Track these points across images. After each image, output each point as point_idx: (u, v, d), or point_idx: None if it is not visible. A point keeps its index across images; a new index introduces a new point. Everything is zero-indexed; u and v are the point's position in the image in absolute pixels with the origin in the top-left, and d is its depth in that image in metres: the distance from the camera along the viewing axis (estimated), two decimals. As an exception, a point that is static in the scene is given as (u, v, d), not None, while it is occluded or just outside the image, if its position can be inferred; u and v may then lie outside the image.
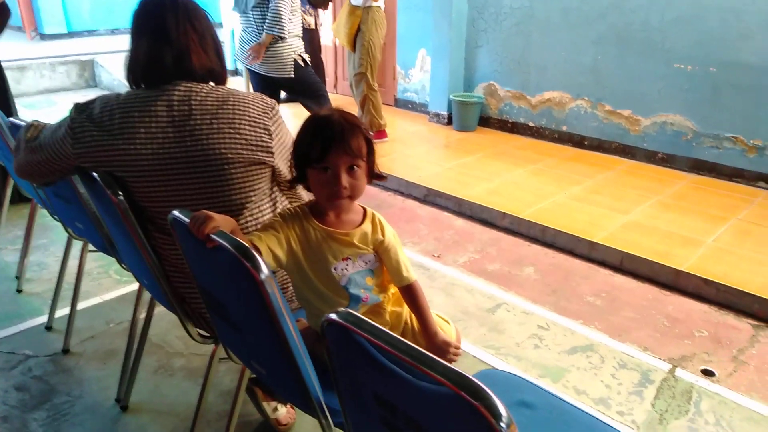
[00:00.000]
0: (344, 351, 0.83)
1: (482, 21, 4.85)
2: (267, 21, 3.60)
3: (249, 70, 3.97)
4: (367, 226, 1.32)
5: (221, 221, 1.12)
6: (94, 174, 1.37)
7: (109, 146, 1.35)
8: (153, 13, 1.41)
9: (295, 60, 3.76)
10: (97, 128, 1.36)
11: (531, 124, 4.79)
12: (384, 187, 3.99)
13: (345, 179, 1.22)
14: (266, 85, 3.87)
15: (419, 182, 3.81)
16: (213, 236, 1.07)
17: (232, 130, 1.38)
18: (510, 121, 4.93)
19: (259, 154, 1.41)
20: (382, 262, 1.35)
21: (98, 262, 2.85)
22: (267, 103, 1.48)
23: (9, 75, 6.59)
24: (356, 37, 4.38)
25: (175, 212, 1.17)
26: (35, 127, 1.49)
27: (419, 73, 5.47)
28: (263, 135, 1.42)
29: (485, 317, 2.51)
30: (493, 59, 4.88)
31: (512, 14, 4.64)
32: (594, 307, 2.60)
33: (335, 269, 1.29)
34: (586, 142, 4.48)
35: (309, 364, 1.08)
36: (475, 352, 2.26)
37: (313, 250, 1.28)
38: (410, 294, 1.38)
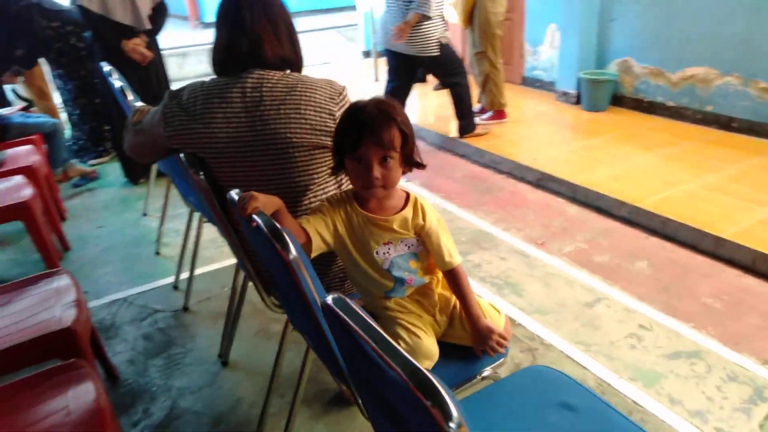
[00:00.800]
0: (338, 334, 0.87)
1: (619, -9, 4.47)
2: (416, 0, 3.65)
3: (389, 51, 4.01)
4: (408, 212, 1.33)
5: (265, 201, 1.21)
6: (181, 155, 1.53)
7: (192, 129, 1.50)
8: (231, 5, 1.52)
9: (438, 39, 3.78)
10: (184, 113, 1.51)
11: (670, 103, 4.34)
12: (497, 170, 3.90)
13: (377, 170, 1.24)
14: (406, 65, 3.94)
15: (533, 166, 3.66)
16: (254, 216, 1.16)
17: (297, 115, 1.46)
18: (646, 100, 4.51)
19: (323, 138, 1.47)
20: (426, 246, 1.36)
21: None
22: (335, 89, 1.53)
23: (173, 60, 7.47)
24: (473, 14, 4.28)
25: (232, 192, 1.28)
26: (140, 111, 1.70)
27: (548, 50, 5.20)
28: (327, 120, 1.48)
29: (581, 311, 2.38)
30: (629, 33, 4.48)
31: (653, -18, 4.21)
32: (711, 310, 2.33)
33: (377, 253, 1.32)
34: (734, 124, 3.96)
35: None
36: (563, 347, 2.16)
37: (356, 234, 1.33)
38: (453, 278, 1.37)
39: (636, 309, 2.37)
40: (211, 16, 9.28)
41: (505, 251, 2.88)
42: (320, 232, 1.31)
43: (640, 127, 4.26)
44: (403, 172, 1.32)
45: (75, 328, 1.61)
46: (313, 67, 7.07)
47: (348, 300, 0.84)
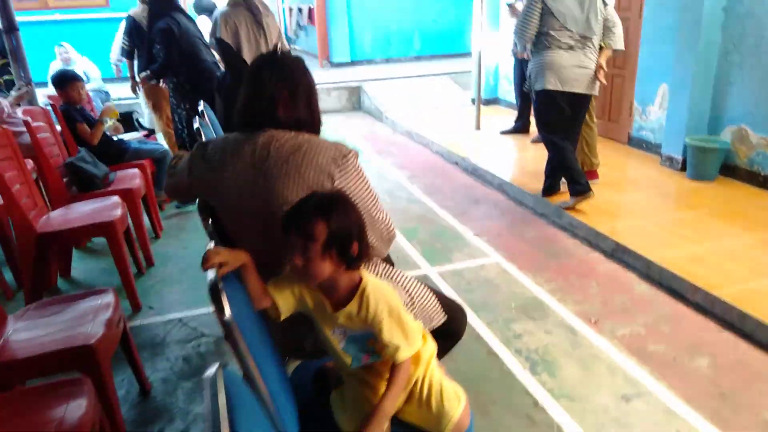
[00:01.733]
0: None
1: (738, 54, 4.10)
2: (613, 37, 3.65)
3: (566, 94, 3.67)
4: (353, 306, 1.31)
5: (228, 257, 1.29)
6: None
7: (207, 179, 1.64)
8: (254, 67, 1.66)
9: None
10: (205, 163, 1.66)
11: (789, 180, 3.86)
12: (572, 234, 3.71)
13: (298, 258, 1.27)
14: (583, 107, 3.80)
15: (609, 234, 3.44)
16: (208, 272, 1.24)
17: (297, 175, 1.54)
18: (762, 174, 4.05)
19: (317, 198, 1.55)
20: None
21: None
22: (340, 152, 1.58)
23: None
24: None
25: (210, 244, 1.39)
26: (178, 156, 1.89)
27: (658, 111, 4.88)
28: (325, 181, 1.54)
29: (615, 405, 2.19)
30: (748, 99, 4.08)
31: (777, 46, 3.82)
32: (769, 430, 2.03)
33: (333, 332, 1.34)
34: None
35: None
36: (580, 442, 2.00)
37: (316, 308, 1.37)
38: (393, 370, 1.34)
39: (679, 413, 2.13)
40: (339, 57, 9.92)
41: (553, 324, 2.73)
42: (285, 297, 1.36)
43: (747, 203, 3.83)
44: (348, 268, 1.30)
45: (97, 345, 1.81)
46: (422, 112, 7.26)
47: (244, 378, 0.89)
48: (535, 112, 3.90)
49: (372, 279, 1.38)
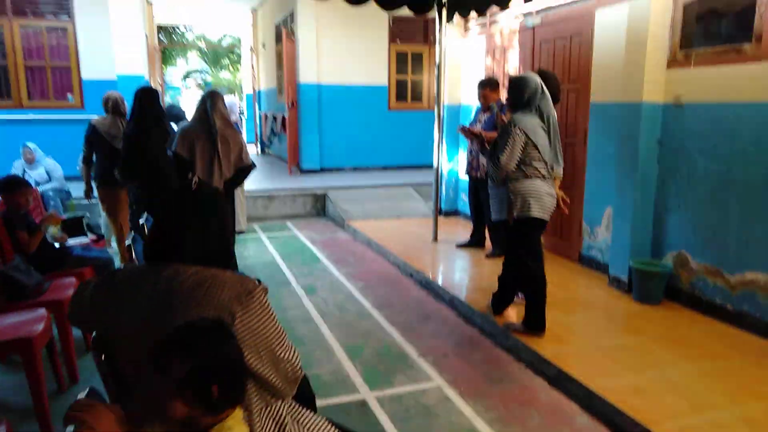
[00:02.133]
0: None
1: (673, 184, 4.32)
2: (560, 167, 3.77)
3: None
4: None
5: (93, 420, 1.20)
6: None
7: (108, 310, 1.57)
8: (166, 201, 1.66)
9: None
10: (109, 292, 1.59)
11: (729, 307, 3.93)
12: (517, 356, 3.65)
13: (152, 392, 1.21)
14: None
15: (552, 359, 3.39)
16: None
17: (196, 312, 1.48)
18: (704, 299, 4.12)
19: (215, 338, 1.49)
20: None
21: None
22: (246, 288, 1.55)
23: (259, 202, 8.10)
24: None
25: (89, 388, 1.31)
26: (89, 282, 1.81)
27: (605, 232, 5.03)
28: (225, 319, 1.50)
29: None
30: (686, 226, 4.24)
31: (707, 178, 4.04)
32: None
33: None
34: (801, 343, 3.46)
35: None
36: None
37: None
38: None
39: None
40: (308, 164, 10.18)
41: (488, 461, 2.60)
42: None
43: (690, 328, 3.85)
44: (207, 413, 1.24)
45: None
46: (383, 221, 7.37)
47: None
48: (514, 239, 3.77)
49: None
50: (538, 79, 3.66)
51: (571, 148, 5.34)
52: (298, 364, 1.66)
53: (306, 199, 8.43)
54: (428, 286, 5.04)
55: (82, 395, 1.30)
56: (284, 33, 10.26)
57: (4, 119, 8.32)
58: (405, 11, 5.90)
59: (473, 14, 6.20)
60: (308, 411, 1.78)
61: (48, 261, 3.73)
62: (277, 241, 6.75)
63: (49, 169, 6.86)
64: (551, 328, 3.82)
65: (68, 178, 6.96)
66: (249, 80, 17.03)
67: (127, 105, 4.86)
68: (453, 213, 7.71)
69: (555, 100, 3.86)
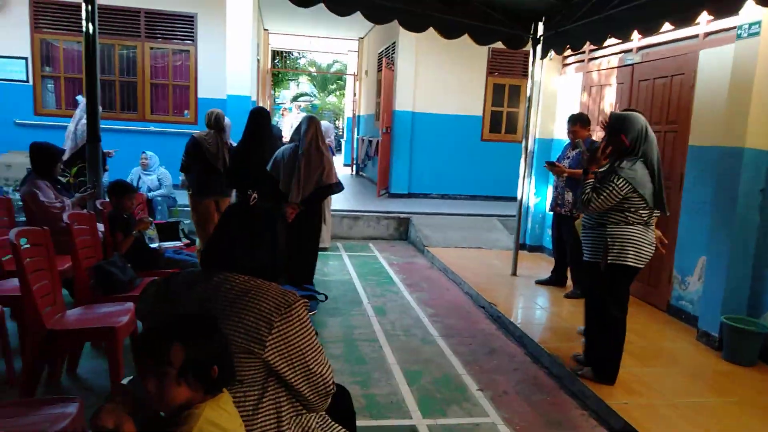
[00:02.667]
0: None
1: (777, 237, 3.96)
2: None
3: None
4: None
5: (121, 423, 1.32)
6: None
7: (163, 310, 1.73)
8: (226, 215, 1.82)
9: None
10: (166, 294, 1.75)
11: (834, 379, 3.50)
12: (582, 403, 3.48)
13: (151, 383, 1.28)
14: None
15: (620, 412, 3.20)
16: None
17: (237, 318, 1.60)
18: (805, 367, 3.71)
19: (252, 344, 1.58)
20: None
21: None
22: (286, 300, 1.64)
23: (345, 222, 8.35)
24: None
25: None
26: (156, 282, 2.00)
27: (697, 283, 4.68)
28: (262, 328, 1.58)
29: None
30: (788, 284, 3.86)
31: (816, 234, 3.67)
32: None
33: None
34: None
35: None
36: None
37: None
38: None
39: None
40: (397, 188, 10.37)
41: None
42: None
43: (785, 398, 3.48)
44: (207, 393, 1.32)
45: None
46: (463, 250, 7.33)
47: None
48: (602, 284, 3.48)
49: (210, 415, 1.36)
50: (643, 120, 3.35)
51: (666, 192, 5.02)
52: (330, 381, 1.73)
53: (390, 222, 8.57)
54: (499, 320, 4.94)
55: (126, 380, 1.44)
56: (384, 62, 10.61)
57: (129, 129, 9.24)
58: (500, 45, 5.93)
59: (569, 51, 6.10)
60: (341, 428, 1.83)
61: (143, 260, 4.10)
62: (357, 261, 6.91)
63: (161, 177, 7.55)
64: (624, 377, 3.61)
65: (176, 186, 7.59)
66: (350, 105, 17.71)
67: (230, 121, 5.29)
68: (538, 248, 7.50)
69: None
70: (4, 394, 3.09)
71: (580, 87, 6.77)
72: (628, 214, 3.35)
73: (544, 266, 6.48)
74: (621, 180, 3.27)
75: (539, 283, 5.85)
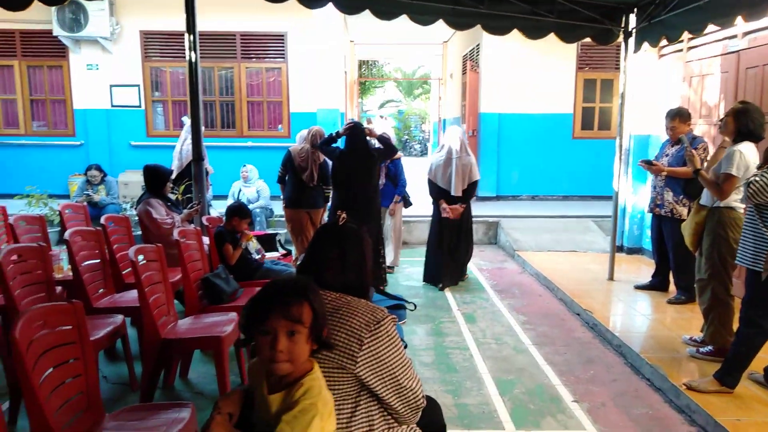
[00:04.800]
0: None
1: None
2: None
3: None
4: (293, 393, 1.41)
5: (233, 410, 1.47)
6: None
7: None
8: (318, 234, 1.93)
9: None
10: None
11: None
12: (688, 418, 3.29)
13: (283, 343, 1.37)
14: None
15: (730, 429, 2.99)
16: None
17: (329, 336, 1.70)
18: None
19: (343, 359, 1.67)
20: None
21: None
22: (374, 317, 1.72)
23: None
24: (701, 237, 3.89)
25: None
26: None
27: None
28: (353, 344, 1.67)
29: None
30: None
31: None
32: None
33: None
34: None
35: None
36: None
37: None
38: None
39: None
40: (487, 191, 10.24)
41: None
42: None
43: None
44: (317, 351, 1.43)
45: None
46: (556, 254, 7.12)
47: None
48: (756, 294, 3.23)
49: (319, 376, 1.48)
50: None
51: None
52: (420, 395, 1.78)
53: (478, 227, 8.45)
54: (595, 328, 4.76)
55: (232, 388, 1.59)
56: (469, 64, 10.54)
57: (229, 146, 9.85)
58: (588, 41, 5.72)
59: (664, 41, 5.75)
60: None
61: (245, 271, 4.37)
62: (446, 267, 6.90)
63: (260, 189, 7.98)
64: (741, 392, 3.37)
65: (273, 198, 7.99)
66: (435, 109, 17.74)
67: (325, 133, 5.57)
68: (636, 250, 7.13)
69: (756, 138, 3.47)
70: (128, 397, 3.43)
71: (678, 78, 6.36)
72: None
73: (644, 270, 6.16)
74: None
75: (639, 288, 5.56)
